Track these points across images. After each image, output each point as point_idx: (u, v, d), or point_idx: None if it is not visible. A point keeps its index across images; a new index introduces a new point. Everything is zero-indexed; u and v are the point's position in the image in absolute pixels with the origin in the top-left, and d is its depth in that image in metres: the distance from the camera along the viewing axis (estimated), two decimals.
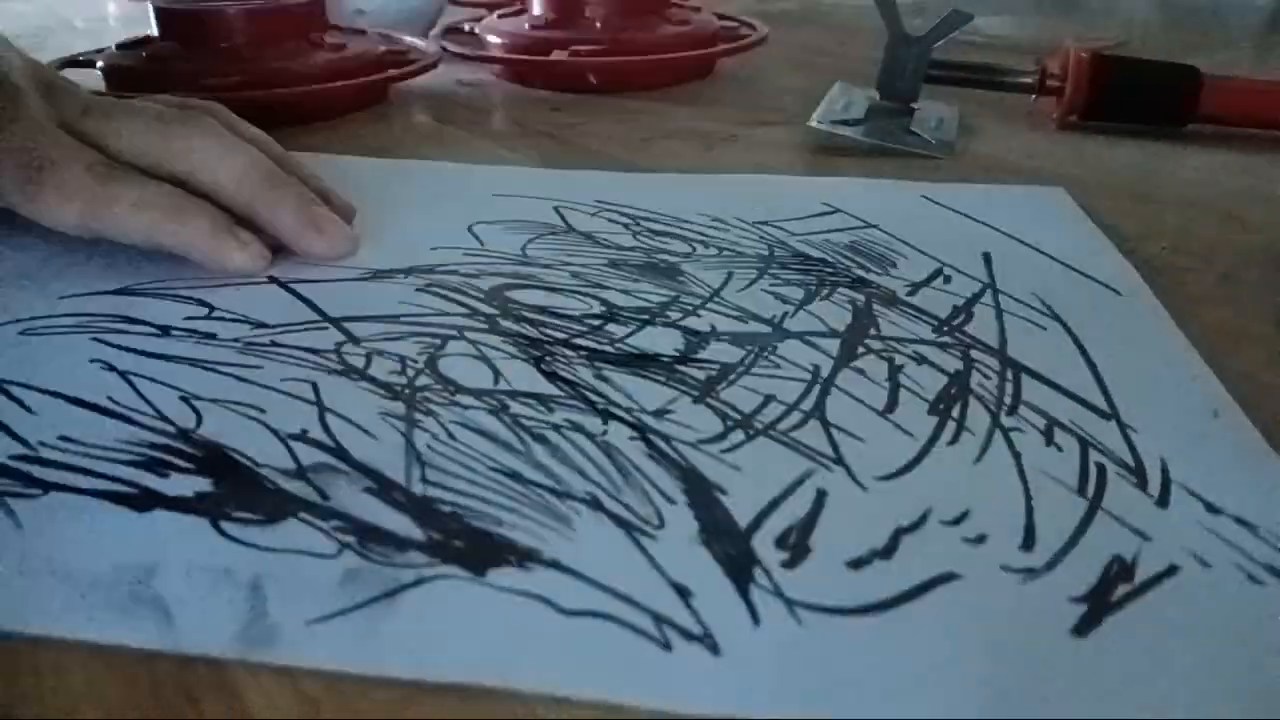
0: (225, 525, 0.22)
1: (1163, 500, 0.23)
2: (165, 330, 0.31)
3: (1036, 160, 0.48)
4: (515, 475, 0.24)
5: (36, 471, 0.24)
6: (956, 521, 0.22)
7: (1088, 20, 0.88)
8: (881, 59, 0.53)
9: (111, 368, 0.29)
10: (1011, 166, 0.47)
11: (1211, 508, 0.23)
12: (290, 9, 0.55)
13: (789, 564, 0.21)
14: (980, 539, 0.22)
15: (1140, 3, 0.94)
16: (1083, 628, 0.20)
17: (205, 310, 0.32)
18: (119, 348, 0.30)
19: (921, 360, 0.29)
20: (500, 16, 0.67)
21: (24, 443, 0.25)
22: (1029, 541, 0.22)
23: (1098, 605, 0.20)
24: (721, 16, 0.69)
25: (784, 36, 0.73)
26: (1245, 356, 0.29)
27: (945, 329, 0.31)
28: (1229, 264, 0.36)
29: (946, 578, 0.21)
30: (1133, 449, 0.25)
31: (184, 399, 0.27)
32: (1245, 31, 0.83)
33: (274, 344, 0.30)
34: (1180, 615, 0.20)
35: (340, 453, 0.25)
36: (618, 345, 0.30)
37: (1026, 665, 0.19)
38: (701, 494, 0.23)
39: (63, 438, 0.25)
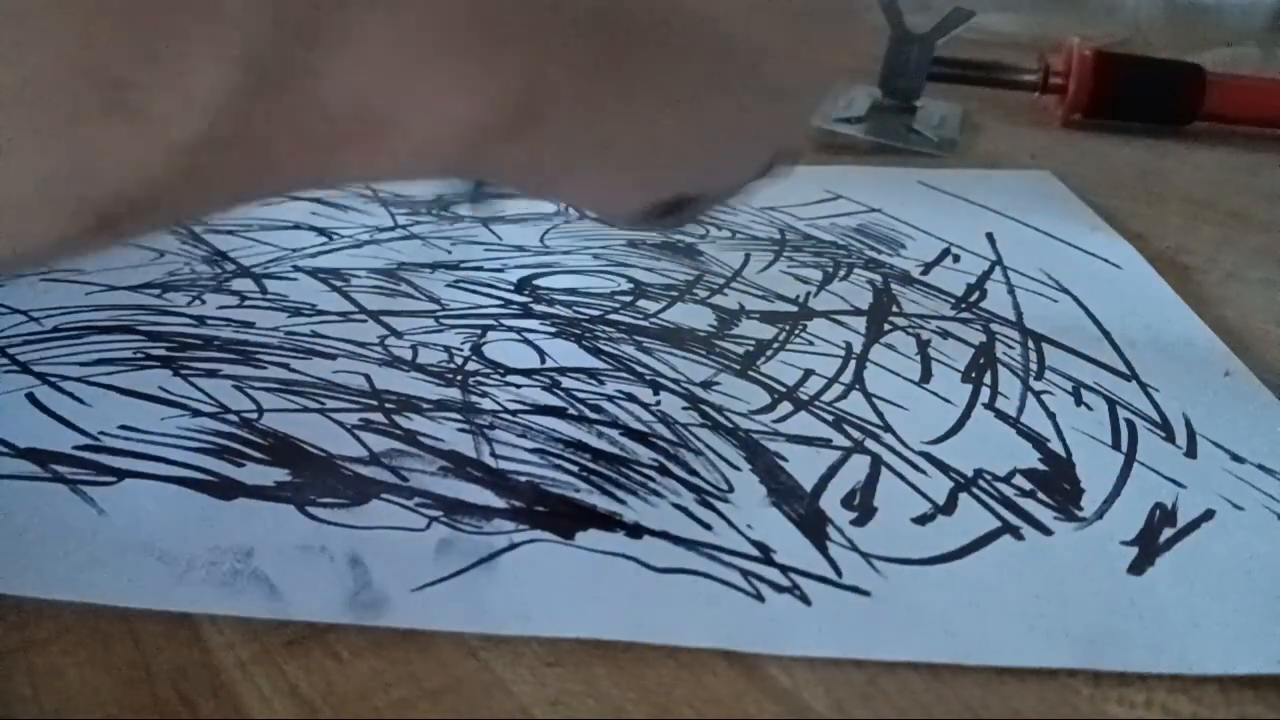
0: (312, 510, 0.23)
1: (1191, 451, 0.25)
2: (201, 320, 0.31)
3: (1040, 158, 0.48)
4: (581, 445, 0.25)
5: (104, 460, 0.24)
6: (1007, 478, 0.24)
7: (1091, 17, 0.87)
8: (884, 56, 0.53)
9: (156, 358, 0.29)
10: (1014, 164, 0.47)
11: (1236, 457, 0.25)
12: None
13: (858, 522, 0.22)
14: (1031, 493, 0.23)
15: (1144, 0, 0.94)
16: (1138, 567, 0.21)
17: (236, 300, 0.33)
18: (158, 338, 0.30)
19: (946, 335, 0.31)
20: None
21: (85, 433, 0.25)
22: (1075, 493, 0.23)
23: (1148, 547, 0.22)
24: None
25: None
26: (1251, 355, 0.30)
27: (963, 305, 0.33)
28: (1234, 263, 0.37)
29: (1007, 529, 0.22)
30: (1156, 406, 0.27)
31: (238, 388, 0.27)
32: (1249, 29, 0.83)
33: (316, 334, 0.30)
34: (1223, 552, 0.22)
35: (408, 438, 0.25)
36: (652, 320, 0.31)
37: (1092, 602, 0.20)
38: (763, 460, 0.25)
39: (124, 427, 0.26)
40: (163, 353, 0.29)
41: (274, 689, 0.18)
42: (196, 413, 0.26)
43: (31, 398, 0.27)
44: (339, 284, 0.34)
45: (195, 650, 0.19)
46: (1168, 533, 0.22)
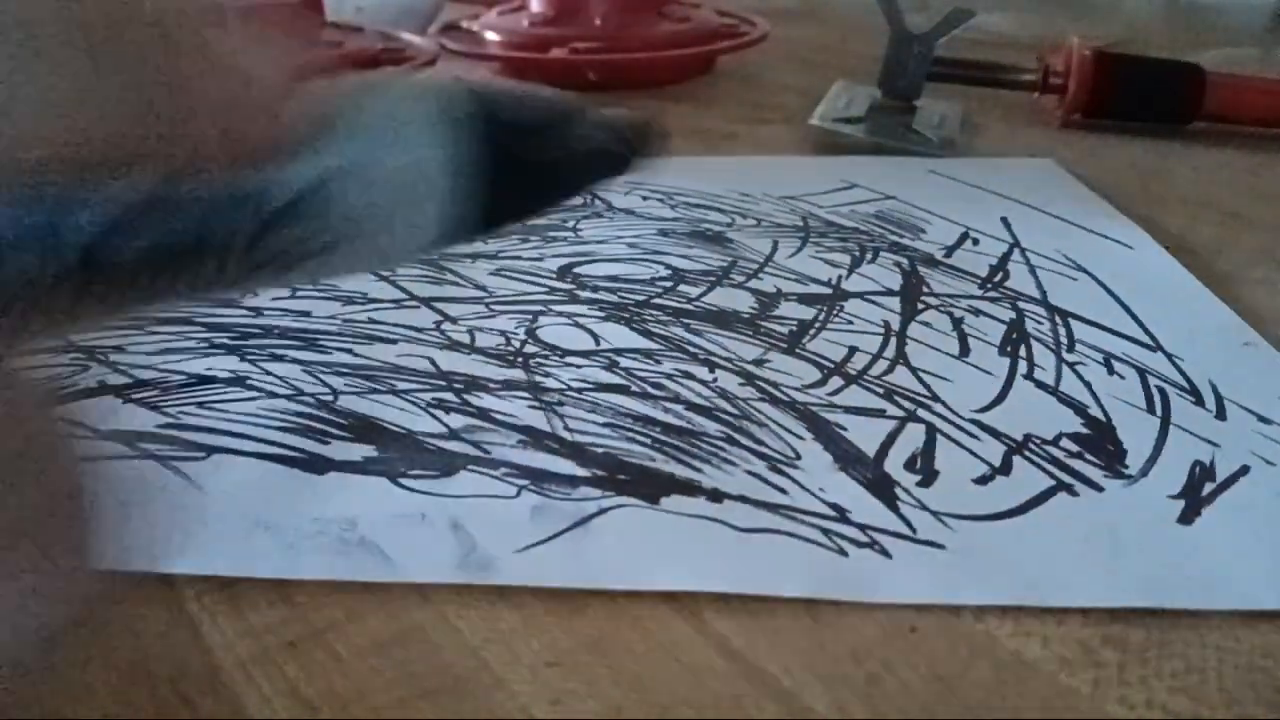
0: (404, 481, 0.24)
1: (1220, 414, 0.27)
2: (257, 311, 0.32)
3: (1039, 158, 0.48)
4: (649, 419, 0.26)
5: (190, 436, 0.25)
6: (1055, 441, 0.25)
7: (1090, 17, 0.87)
8: (883, 56, 0.54)
9: (221, 346, 0.30)
10: None
11: (1263, 419, 0.26)
12: (285, 6, 0.55)
13: (923, 484, 0.24)
14: (1079, 454, 0.25)
15: (1143, 0, 0.94)
16: (1186, 518, 0.23)
17: (289, 291, 0.33)
18: (219, 329, 0.31)
19: (978, 312, 0.32)
20: (499, 14, 0.68)
21: (164, 413, 0.26)
22: (1120, 454, 0.25)
23: (1193, 500, 0.23)
24: (721, 13, 0.71)
25: (785, 33, 0.73)
26: None
27: (989, 285, 0.34)
28: (1233, 263, 0.37)
29: (1062, 486, 0.24)
30: (1184, 374, 0.28)
31: (307, 372, 0.28)
32: (1249, 29, 0.83)
33: (373, 321, 0.31)
34: (1262, 503, 0.23)
35: (483, 414, 0.26)
36: (696, 304, 0.32)
37: (1149, 549, 0.22)
38: (824, 430, 0.26)
39: (203, 405, 0.26)
40: (227, 341, 0.30)
41: (274, 689, 0.19)
42: (272, 394, 0.27)
43: (104, 384, 0.28)
44: (386, 273, 0.35)
45: (195, 650, 0.19)
46: (1209, 487, 0.24)
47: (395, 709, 0.18)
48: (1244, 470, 0.24)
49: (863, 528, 0.22)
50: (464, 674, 0.19)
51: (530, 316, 0.32)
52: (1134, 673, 0.19)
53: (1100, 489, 0.24)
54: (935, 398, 0.27)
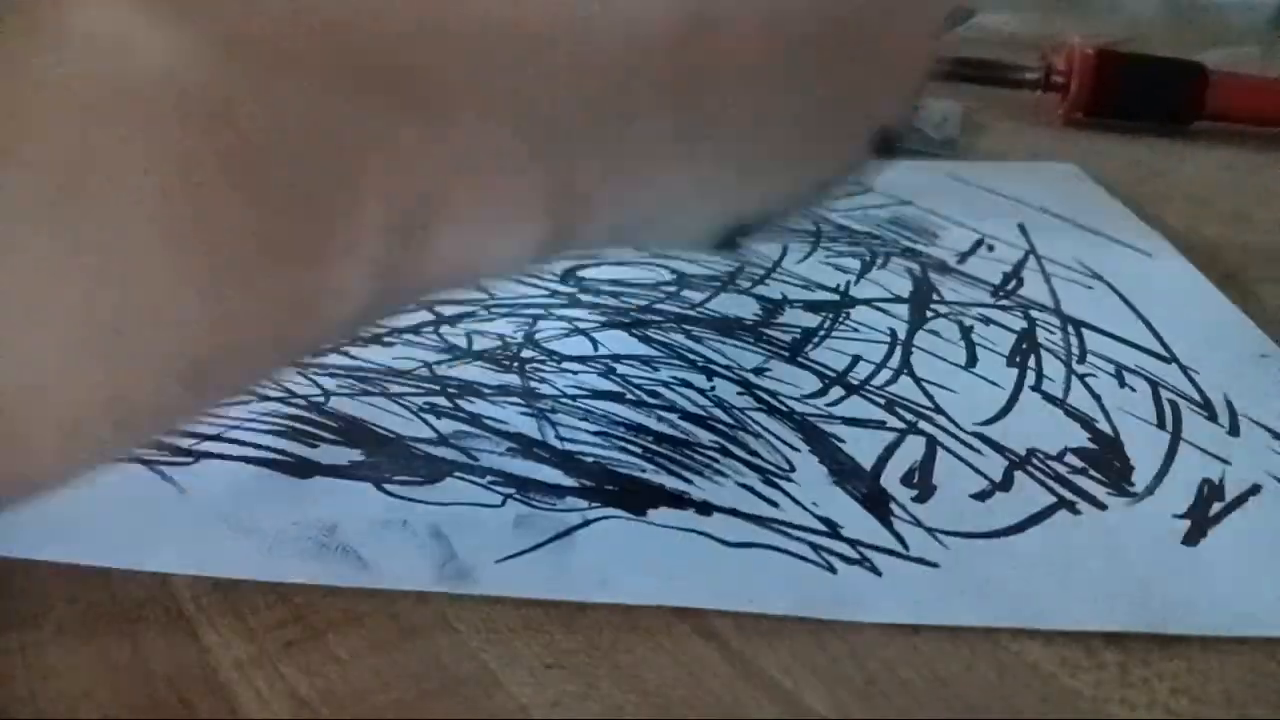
0: (389, 487, 0.23)
1: (1234, 430, 0.26)
2: None
3: (1041, 157, 0.48)
4: (642, 428, 0.26)
5: (177, 441, 0.25)
6: (1059, 457, 0.25)
7: (1093, 16, 0.86)
8: None
9: None
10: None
11: (1277, 435, 0.26)
12: None
13: (919, 499, 0.23)
14: (1083, 470, 0.24)
15: None
16: (1191, 539, 0.22)
17: None
18: None
19: (988, 321, 0.31)
20: None
21: None
22: (1126, 470, 0.24)
23: (1200, 520, 0.23)
24: None
25: None
26: None
27: (1001, 293, 0.33)
28: (1234, 263, 0.37)
29: (1064, 504, 0.23)
30: (1197, 387, 0.28)
31: (301, 374, 0.28)
32: (1251, 29, 0.82)
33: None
34: (1271, 524, 0.22)
35: (474, 420, 0.26)
36: (698, 310, 0.32)
37: (1152, 571, 0.21)
38: (821, 442, 0.25)
39: None
40: None
41: (272, 690, 0.18)
42: (264, 397, 0.27)
43: None
44: None
45: (193, 651, 0.19)
46: (1217, 506, 0.23)
47: (394, 710, 0.18)
48: (1254, 489, 0.24)
49: (853, 544, 0.22)
50: (463, 675, 0.19)
51: (530, 320, 0.31)
52: (1136, 674, 0.19)
53: (1103, 507, 0.23)
54: (938, 409, 0.27)
